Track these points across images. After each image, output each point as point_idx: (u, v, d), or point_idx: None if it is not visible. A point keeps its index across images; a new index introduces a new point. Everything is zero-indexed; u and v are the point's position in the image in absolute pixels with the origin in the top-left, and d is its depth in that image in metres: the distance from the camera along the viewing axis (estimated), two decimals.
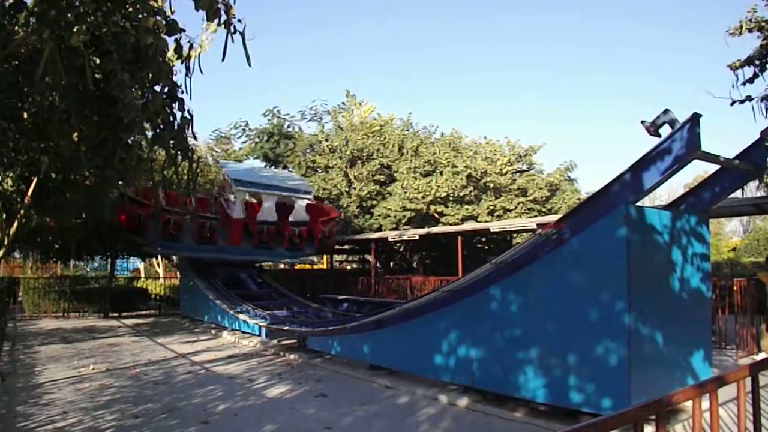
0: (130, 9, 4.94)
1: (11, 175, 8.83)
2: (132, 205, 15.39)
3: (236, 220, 16.61)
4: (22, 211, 9.59)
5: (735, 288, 10.42)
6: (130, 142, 5.78)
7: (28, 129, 6.19)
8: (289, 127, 26.72)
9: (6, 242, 10.16)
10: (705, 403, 2.58)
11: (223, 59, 4.79)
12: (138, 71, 5.22)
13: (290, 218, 16.75)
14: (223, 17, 4.48)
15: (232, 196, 17.50)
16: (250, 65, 4.82)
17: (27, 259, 23.76)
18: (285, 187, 17.51)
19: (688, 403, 2.52)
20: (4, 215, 10.36)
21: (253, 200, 17.09)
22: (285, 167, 26.05)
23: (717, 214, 13.21)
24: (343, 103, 27.37)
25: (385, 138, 25.25)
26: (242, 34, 4.65)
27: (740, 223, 51.48)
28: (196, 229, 16.47)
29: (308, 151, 26.00)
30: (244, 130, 26.33)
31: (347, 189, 23.27)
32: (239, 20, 4.64)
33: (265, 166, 26.77)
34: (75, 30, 4.54)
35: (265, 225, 16.88)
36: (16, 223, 9.87)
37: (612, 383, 5.49)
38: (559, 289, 6.06)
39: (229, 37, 4.61)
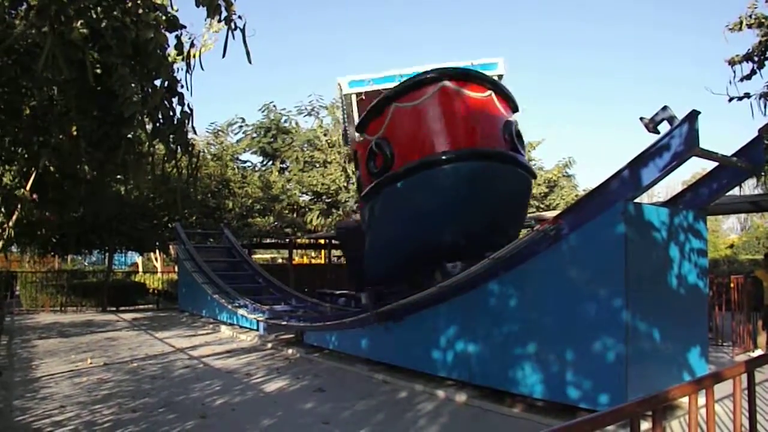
0: (130, 4, 4.93)
1: (11, 169, 8.82)
2: None
3: None
4: (20, 205, 9.57)
5: (732, 285, 10.47)
6: (130, 136, 5.79)
7: (28, 123, 6.18)
8: (286, 122, 26.60)
9: (5, 236, 10.16)
10: (701, 399, 2.60)
11: (223, 55, 4.80)
12: (138, 66, 5.23)
13: None
14: (224, 14, 4.48)
15: None
16: (250, 62, 4.83)
17: (25, 253, 23.70)
18: None
19: (685, 399, 2.54)
20: (3, 209, 10.34)
21: None
22: (282, 162, 25.94)
23: (715, 211, 13.23)
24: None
25: None
26: (242, 31, 4.66)
27: (738, 220, 51.57)
28: None
29: (306, 146, 25.88)
30: (240, 126, 26.22)
31: (345, 184, 23.18)
32: (239, 17, 4.64)
33: (262, 161, 26.63)
34: (75, 24, 4.55)
35: None
36: (14, 217, 9.85)
37: (609, 379, 5.52)
38: (556, 285, 6.08)
39: (230, 34, 4.62)
